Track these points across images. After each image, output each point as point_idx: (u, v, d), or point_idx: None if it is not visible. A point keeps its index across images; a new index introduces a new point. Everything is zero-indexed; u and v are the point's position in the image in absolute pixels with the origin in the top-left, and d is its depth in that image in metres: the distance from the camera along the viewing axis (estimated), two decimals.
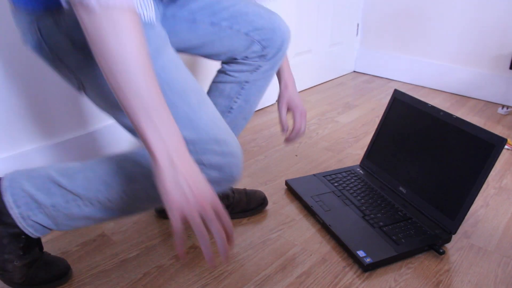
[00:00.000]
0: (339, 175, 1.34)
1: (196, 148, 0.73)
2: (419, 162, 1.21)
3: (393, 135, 1.32)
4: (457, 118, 1.14)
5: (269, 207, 1.25)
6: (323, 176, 1.33)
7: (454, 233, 1.08)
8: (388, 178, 1.29)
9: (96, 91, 0.78)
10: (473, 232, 1.17)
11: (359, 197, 1.24)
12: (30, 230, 0.85)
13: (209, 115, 0.76)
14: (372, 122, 1.88)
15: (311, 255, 1.06)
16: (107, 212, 0.84)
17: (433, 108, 1.21)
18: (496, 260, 1.07)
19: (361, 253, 1.02)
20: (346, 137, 1.72)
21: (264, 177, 1.41)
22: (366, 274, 1.00)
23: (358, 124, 1.85)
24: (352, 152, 1.60)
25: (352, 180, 1.32)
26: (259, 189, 1.34)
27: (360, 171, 1.38)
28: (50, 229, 0.86)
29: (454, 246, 1.11)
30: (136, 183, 0.80)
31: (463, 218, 1.07)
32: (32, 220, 0.83)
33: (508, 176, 1.47)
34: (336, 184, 1.30)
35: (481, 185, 1.04)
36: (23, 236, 0.87)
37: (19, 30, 0.77)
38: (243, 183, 1.36)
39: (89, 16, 0.57)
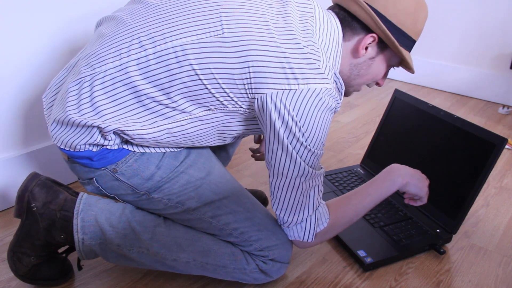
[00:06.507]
0: (340, 175, 1.34)
1: (262, 245, 0.88)
2: (419, 161, 1.21)
3: (393, 134, 1.32)
4: (458, 118, 1.14)
5: (269, 206, 1.25)
6: (324, 176, 1.33)
7: (455, 233, 1.08)
8: None
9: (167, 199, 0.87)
10: (473, 232, 1.17)
11: None
12: (82, 254, 0.88)
13: (262, 212, 0.91)
14: (373, 121, 1.88)
15: (311, 254, 1.06)
16: (161, 265, 0.88)
17: (433, 107, 1.21)
18: (497, 260, 1.07)
19: (361, 253, 1.02)
20: (346, 137, 1.72)
21: (264, 176, 1.41)
22: (367, 273, 1.00)
23: (359, 124, 1.85)
24: (353, 151, 1.60)
25: (353, 180, 1.32)
26: (260, 188, 1.34)
27: (361, 170, 1.38)
28: (97, 256, 0.90)
29: (454, 246, 1.11)
30: (210, 258, 0.87)
31: (464, 217, 1.07)
32: (90, 248, 0.87)
33: (509, 176, 1.47)
34: (336, 183, 1.30)
35: (482, 185, 1.04)
36: (53, 247, 0.90)
37: (74, 173, 0.89)
38: (244, 183, 1.36)
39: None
